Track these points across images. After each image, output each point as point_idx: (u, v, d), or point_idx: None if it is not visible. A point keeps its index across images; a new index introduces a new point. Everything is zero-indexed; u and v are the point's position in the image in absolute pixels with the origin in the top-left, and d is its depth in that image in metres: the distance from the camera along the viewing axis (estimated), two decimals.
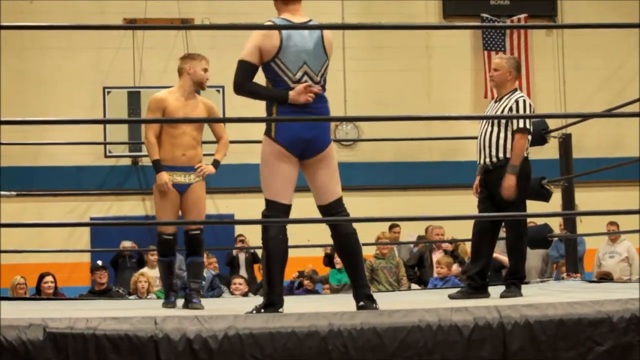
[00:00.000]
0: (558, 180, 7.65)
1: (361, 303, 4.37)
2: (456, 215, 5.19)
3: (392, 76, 13.85)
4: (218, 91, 11.79)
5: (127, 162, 13.23)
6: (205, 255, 9.25)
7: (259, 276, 10.52)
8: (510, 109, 5.73)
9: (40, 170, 12.87)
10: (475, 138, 5.96)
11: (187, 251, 5.61)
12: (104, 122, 12.85)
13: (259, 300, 4.65)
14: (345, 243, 4.45)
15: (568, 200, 7.75)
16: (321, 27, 4.50)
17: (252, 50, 4.37)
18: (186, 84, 5.63)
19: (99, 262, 10.40)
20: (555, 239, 8.75)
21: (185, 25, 14.16)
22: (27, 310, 4.96)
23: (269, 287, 4.36)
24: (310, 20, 4.48)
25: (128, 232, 12.10)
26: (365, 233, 9.42)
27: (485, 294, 5.71)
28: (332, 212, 4.47)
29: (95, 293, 9.82)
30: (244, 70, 4.36)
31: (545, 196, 6.76)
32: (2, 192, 7.89)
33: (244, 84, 4.37)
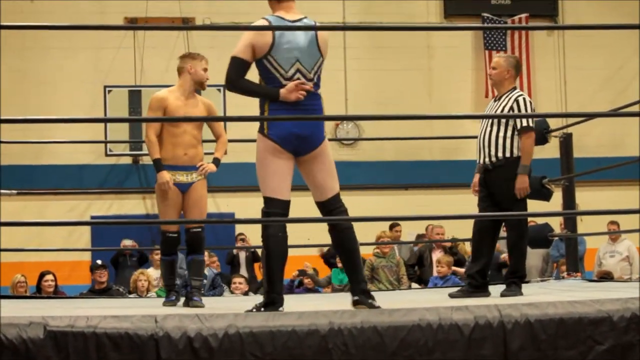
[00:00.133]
0: (559, 179, 7.65)
1: (356, 297, 4.38)
2: (457, 214, 5.18)
3: (393, 76, 13.86)
4: (219, 90, 11.79)
5: (127, 160, 13.24)
6: (207, 254, 9.25)
7: (259, 275, 10.52)
8: (511, 109, 5.72)
9: (41, 169, 12.88)
10: (476, 137, 5.97)
11: (188, 249, 5.61)
12: (105, 120, 12.87)
13: (259, 299, 4.64)
14: (342, 238, 4.46)
15: (569, 200, 7.76)
16: (322, 28, 4.50)
17: (245, 47, 4.38)
18: (186, 84, 5.63)
19: (99, 261, 10.41)
20: (556, 238, 8.75)
21: (186, 25, 14.17)
22: (28, 309, 4.96)
23: (269, 286, 4.36)
24: (304, 18, 4.48)
25: (128, 230, 12.11)
26: (366, 232, 9.47)
27: (486, 293, 5.71)
28: (330, 208, 4.48)
29: (96, 292, 9.82)
30: (236, 67, 4.37)
31: (546, 195, 6.76)
32: (3, 191, 7.89)
33: (235, 81, 4.39)
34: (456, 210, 7.82)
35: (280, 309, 4.27)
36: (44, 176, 12.71)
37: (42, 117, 5.05)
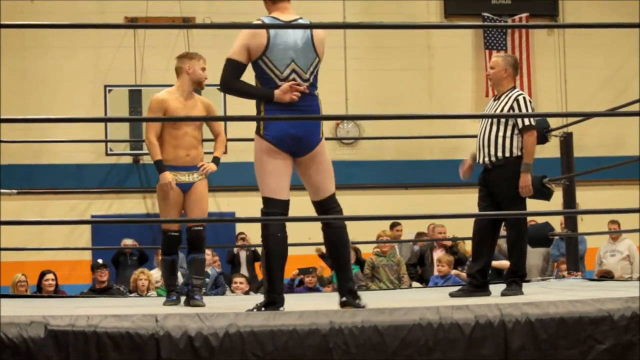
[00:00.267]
0: (559, 179, 7.65)
1: (344, 298, 4.41)
2: (457, 213, 5.18)
3: (394, 76, 13.86)
4: (219, 89, 11.77)
5: (128, 160, 13.24)
6: (210, 254, 9.23)
7: (260, 274, 10.51)
8: (511, 108, 5.72)
9: (41, 168, 12.88)
10: (476, 137, 5.96)
11: (189, 248, 5.62)
12: (105, 120, 12.86)
13: (260, 298, 4.65)
14: (334, 236, 4.48)
15: (569, 199, 7.75)
16: (318, 27, 4.50)
17: (240, 48, 4.39)
18: (185, 84, 5.64)
19: (100, 260, 10.41)
20: (556, 237, 8.75)
21: (187, 24, 14.16)
22: (28, 308, 4.96)
23: (270, 285, 4.36)
24: (300, 18, 4.48)
25: (129, 230, 12.12)
26: (366, 232, 9.47)
27: (486, 292, 5.71)
28: (326, 207, 4.51)
29: (96, 291, 9.82)
30: (231, 69, 4.38)
31: (546, 195, 6.75)
32: (3, 190, 7.89)
33: (230, 83, 4.41)
34: (456, 210, 7.84)
35: (281, 308, 4.28)
36: (44, 175, 12.71)
37: (42, 117, 5.03)
